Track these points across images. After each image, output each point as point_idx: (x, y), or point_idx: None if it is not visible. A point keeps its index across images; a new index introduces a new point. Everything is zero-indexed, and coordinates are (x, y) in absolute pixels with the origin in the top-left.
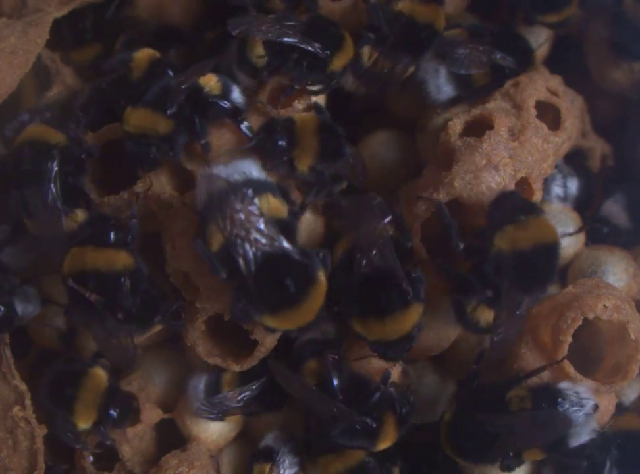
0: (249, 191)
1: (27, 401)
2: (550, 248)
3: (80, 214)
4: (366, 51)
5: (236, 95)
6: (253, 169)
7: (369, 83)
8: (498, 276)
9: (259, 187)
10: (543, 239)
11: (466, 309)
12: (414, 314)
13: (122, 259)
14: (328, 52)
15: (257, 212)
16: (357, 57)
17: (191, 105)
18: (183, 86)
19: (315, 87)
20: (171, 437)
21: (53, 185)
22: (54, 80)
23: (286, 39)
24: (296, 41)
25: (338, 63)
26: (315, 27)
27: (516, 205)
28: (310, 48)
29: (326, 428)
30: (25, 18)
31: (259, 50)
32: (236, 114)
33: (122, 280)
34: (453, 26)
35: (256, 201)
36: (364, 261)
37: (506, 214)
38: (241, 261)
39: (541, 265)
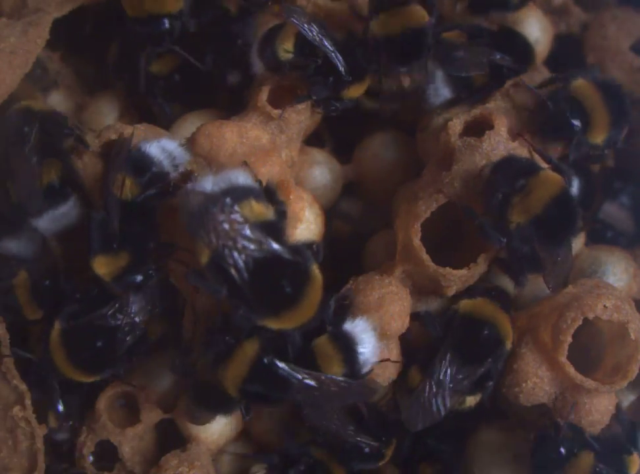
0: (229, 200)
1: (27, 401)
2: (562, 199)
3: (54, 171)
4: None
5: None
6: (239, 176)
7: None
8: (528, 243)
9: (240, 194)
10: (551, 195)
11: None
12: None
13: None
14: (350, 79)
15: (240, 219)
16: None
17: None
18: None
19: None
20: (171, 437)
21: (32, 145)
22: (54, 80)
23: (324, 44)
24: (332, 51)
25: (353, 92)
26: (348, 50)
27: (514, 171)
28: (340, 66)
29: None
30: (25, 18)
31: (289, 45)
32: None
33: None
34: (451, 28)
35: (237, 208)
36: None
37: (507, 186)
38: (232, 271)
39: (560, 218)
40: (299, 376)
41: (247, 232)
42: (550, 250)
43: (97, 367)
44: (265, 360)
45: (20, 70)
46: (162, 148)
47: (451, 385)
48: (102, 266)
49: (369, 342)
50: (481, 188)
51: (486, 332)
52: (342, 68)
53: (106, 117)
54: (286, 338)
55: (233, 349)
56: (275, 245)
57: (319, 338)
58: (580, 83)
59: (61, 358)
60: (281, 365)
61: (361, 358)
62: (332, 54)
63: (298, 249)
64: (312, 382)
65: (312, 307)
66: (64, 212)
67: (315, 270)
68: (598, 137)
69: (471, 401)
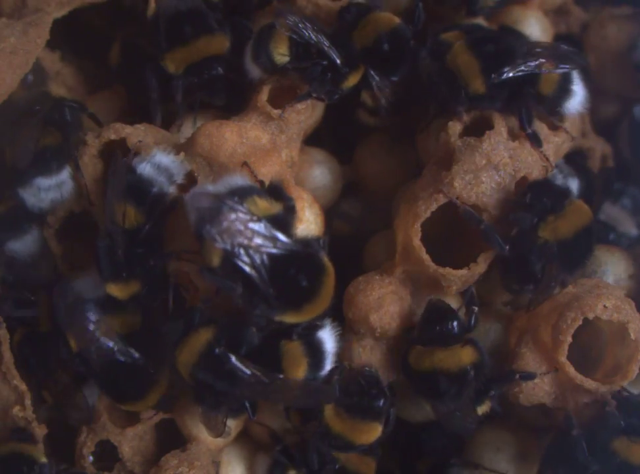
0: (236, 199)
1: (27, 401)
2: (588, 230)
3: (53, 140)
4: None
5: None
6: (237, 178)
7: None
8: (543, 262)
9: (243, 193)
10: (582, 224)
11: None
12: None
13: None
14: (347, 70)
15: (252, 217)
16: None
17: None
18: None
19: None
20: (171, 437)
21: (41, 116)
22: (55, 80)
23: (320, 40)
24: (329, 47)
25: (352, 81)
26: (339, 41)
27: (553, 193)
28: (337, 60)
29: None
30: (25, 18)
31: (283, 48)
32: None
33: None
34: (451, 27)
35: (245, 206)
36: None
37: (546, 205)
38: (249, 270)
39: (582, 248)
40: (248, 372)
41: (261, 229)
42: (562, 273)
43: None
44: (217, 350)
45: (20, 70)
46: (158, 166)
47: None
48: (115, 291)
49: (332, 348)
50: (515, 199)
51: None
52: (338, 62)
53: (106, 117)
54: (244, 334)
55: (189, 333)
56: (287, 240)
57: (290, 341)
58: (452, 50)
59: None
60: (232, 357)
61: (325, 363)
62: (329, 49)
63: (309, 243)
64: (262, 379)
65: (329, 297)
66: (54, 184)
67: (327, 259)
68: (478, 86)
69: None
